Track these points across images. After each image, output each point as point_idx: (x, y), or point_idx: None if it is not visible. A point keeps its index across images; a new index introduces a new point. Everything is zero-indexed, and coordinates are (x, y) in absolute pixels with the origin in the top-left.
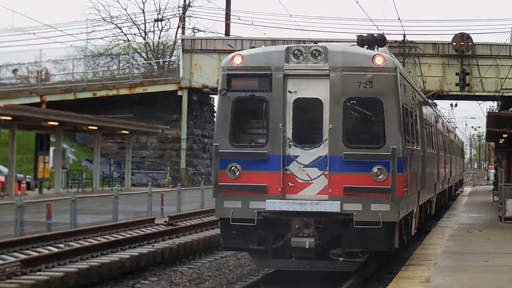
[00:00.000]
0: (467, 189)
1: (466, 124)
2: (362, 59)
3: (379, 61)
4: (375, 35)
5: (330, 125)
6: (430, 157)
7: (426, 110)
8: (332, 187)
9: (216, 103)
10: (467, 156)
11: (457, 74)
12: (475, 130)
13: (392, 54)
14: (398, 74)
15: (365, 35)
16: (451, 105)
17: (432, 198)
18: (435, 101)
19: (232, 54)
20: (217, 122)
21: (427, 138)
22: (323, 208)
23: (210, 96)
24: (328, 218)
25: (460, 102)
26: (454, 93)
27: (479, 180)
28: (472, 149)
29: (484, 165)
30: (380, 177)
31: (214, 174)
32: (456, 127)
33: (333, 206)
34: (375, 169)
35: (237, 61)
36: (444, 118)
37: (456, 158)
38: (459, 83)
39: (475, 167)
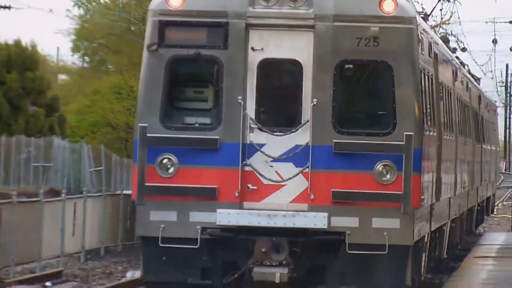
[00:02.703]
0: (494, 237)
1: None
2: (364, 4)
3: (389, 6)
4: None
5: (314, 99)
6: (448, 147)
7: (443, 65)
8: (315, 192)
9: (142, 64)
10: (500, 137)
11: None
12: None
13: None
14: (417, 26)
15: None
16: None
17: (445, 225)
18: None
19: None
20: (141, 92)
21: (444, 114)
22: (301, 222)
23: None
24: (309, 239)
25: None
26: None
27: None
28: None
29: None
30: (387, 177)
31: (138, 169)
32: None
33: (317, 221)
34: (379, 166)
35: (175, 1)
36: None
37: (482, 147)
38: None
39: None
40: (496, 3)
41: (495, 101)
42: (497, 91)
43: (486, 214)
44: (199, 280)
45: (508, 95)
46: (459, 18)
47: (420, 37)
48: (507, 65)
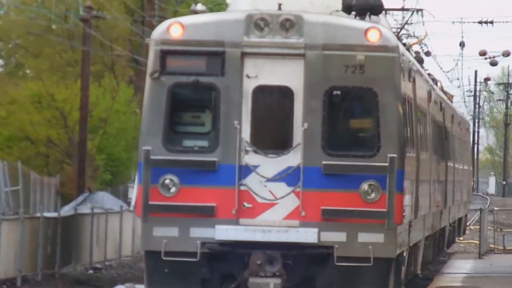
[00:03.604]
0: (459, 265)
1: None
2: (351, 34)
3: (374, 36)
4: None
5: (305, 124)
6: (424, 168)
7: (420, 88)
8: (306, 210)
9: (145, 90)
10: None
11: None
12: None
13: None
14: (400, 55)
15: None
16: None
17: (420, 242)
18: None
19: (168, 22)
20: (145, 117)
21: (420, 135)
22: (293, 237)
23: None
24: (300, 252)
25: None
26: None
27: (499, 236)
28: (485, 131)
29: None
30: (371, 196)
31: (142, 189)
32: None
33: (308, 236)
34: (365, 186)
35: (176, 32)
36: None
37: (454, 167)
38: None
39: (490, 187)
40: (464, 1)
41: (462, 113)
42: (464, 101)
43: (458, 235)
44: None
45: (477, 106)
46: (422, 17)
47: (402, 65)
48: (476, 72)
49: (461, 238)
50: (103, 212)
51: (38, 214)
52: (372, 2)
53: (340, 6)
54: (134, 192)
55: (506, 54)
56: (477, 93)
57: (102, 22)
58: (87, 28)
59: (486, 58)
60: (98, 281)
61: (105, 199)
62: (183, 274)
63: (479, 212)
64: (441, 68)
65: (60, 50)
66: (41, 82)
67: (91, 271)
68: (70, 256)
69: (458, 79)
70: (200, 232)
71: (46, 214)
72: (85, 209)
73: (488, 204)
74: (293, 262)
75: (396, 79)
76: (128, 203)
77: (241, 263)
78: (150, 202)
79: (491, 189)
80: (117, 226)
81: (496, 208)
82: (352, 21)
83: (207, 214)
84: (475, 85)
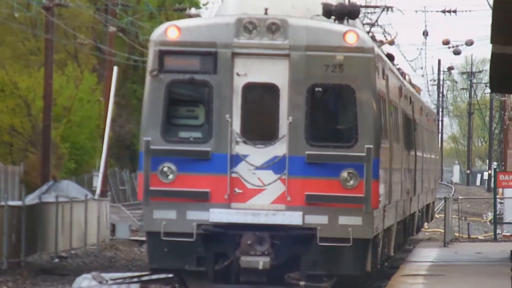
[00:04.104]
0: (425, 253)
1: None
2: (331, 36)
3: (351, 39)
4: (345, 3)
5: (290, 117)
6: (396, 157)
7: (392, 84)
8: (291, 195)
9: (145, 86)
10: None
11: None
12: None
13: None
14: (376, 55)
15: (333, 3)
16: None
17: (392, 226)
18: None
19: (165, 25)
20: (145, 111)
21: (393, 127)
22: (280, 220)
23: None
24: (286, 233)
25: None
26: None
27: (463, 224)
28: (448, 120)
29: (485, 173)
30: (350, 183)
31: (143, 176)
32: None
33: (293, 218)
34: (344, 174)
35: (172, 34)
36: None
37: (423, 156)
38: None
39: (455, 176)
40: None
41: (426, 102)
42: (428, 90)
43: (426, 220)
44: (194, 267)
45: (441, 95)
46: (388, 11)
47: (376, 64)
48: (439, 61)
49: (427, 227)
50: (67, 201)
51: (3, 203)
52: (349, 7)
53: (320, 10)
54: (99, 181)
55: (469, 43)
56: (441, 82)
57: (65, 10)
58: (50, 16)
59: (449, 47)
60: (63, 270)
61: (70, 188)
62: (180, 252)
63: (443, 201)
64: (404, 57)
65: (23, 38)
66: (4, 70)
67: (56, 260)
68: (35, 244)
69: (421, 68)
70: (195, 215)
71: (11, 203)
72: (49, 197)
73: (452, 193)
74: (280, 242)
75: (372, 77)
76: (93, 192)
77: (233, 243)
78: (151, 188)
79: (456, 178)
80: (82, 215)
81: (460, 197)
82: (332, 25)
83: (202, 199)
84: (439, 74)
